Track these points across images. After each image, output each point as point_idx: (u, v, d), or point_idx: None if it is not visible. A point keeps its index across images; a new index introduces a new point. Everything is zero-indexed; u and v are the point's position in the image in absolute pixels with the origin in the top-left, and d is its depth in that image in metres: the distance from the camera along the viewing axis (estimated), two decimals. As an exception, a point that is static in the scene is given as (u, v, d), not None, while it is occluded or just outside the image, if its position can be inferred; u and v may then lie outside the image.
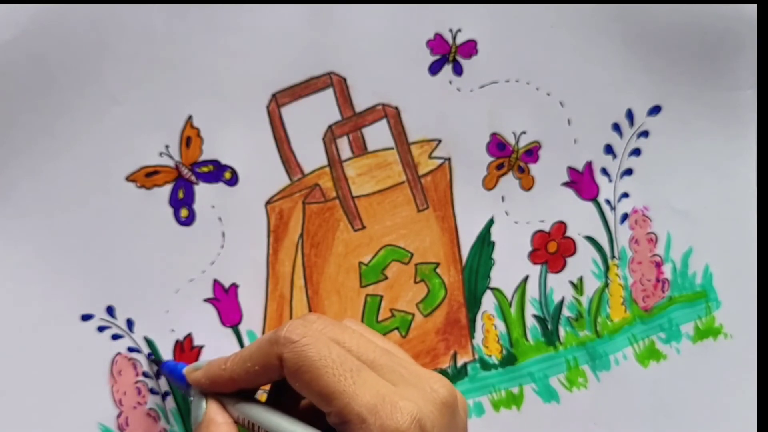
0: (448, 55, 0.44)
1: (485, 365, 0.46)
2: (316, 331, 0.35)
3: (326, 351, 0.34)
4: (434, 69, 0.44)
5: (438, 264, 0.46)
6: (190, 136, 0.42)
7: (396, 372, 0.35)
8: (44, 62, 0.38)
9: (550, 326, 0.47)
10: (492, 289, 0.46)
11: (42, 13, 0.38)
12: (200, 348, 0.43)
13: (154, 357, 0.42)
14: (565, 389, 0.47)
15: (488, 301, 0.46)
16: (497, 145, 0.46)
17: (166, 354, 0.43)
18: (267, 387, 0.40)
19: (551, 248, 0.47)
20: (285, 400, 0.38)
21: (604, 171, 0.47)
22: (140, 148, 0.41)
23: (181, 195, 0.42)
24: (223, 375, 0.37)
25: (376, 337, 0.39)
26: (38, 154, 0.39)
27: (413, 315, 0.46)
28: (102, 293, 0.41)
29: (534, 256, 0.47)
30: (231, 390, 0.37)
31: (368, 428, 0.32)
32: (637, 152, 0.47)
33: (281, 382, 0.36)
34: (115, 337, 0.41)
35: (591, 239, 0.48)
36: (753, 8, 0.46)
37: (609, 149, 0.47)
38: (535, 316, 0.47)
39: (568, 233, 0.47)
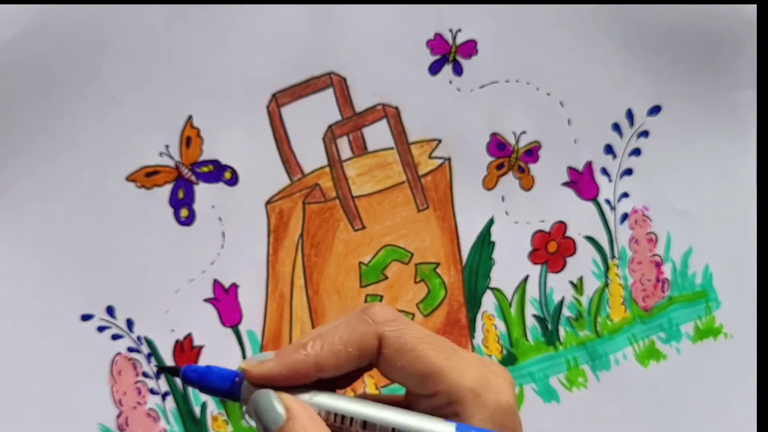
0: (448, 55, 0.44)
1: (485, 365, 0.46)
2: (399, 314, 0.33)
3: (424, 330, 0.32)
4: (434, 69, 0.44)
5: (438, 264, 0.46)
6: (190, 136, 0.42)
7: (466, 352, 0.33)
8: (44, 62, 0.38)
9: (550, 326, 0.47)
10: (492, 289, 0.46)
11: (42, 13, 0.38)
12: (200, 348, 0.43)
13: (164, 365, 0.40)
14: (565, 389, 0.47)
15: (488, 301, 0.46)
16: (497, 145, 0.46)
17: (166, 354, 0.43)
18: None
19: (551, 248, 0.47)
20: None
21: (604, 171, 0.47)
22: (140, 148, 0.41)
23: (181, 195, 0.42)
24: (306, 362, 0.32)
25: None
26: (38, 154, 0.39)
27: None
28: (102, 293, 0.41)
29: (534, 256, 0.47)
30: (311, 380, 0.32)
31: (483, 403, 0.31)
32: (637, 152, 0.47)
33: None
34: (115, 337, 0.41)
35: (591, 239, 0.48)
36: (753, 8, 0.46)
37: (609, 149, 0.47)
38: (535, 316, 0.47)
39: (568, 233, 0.47)
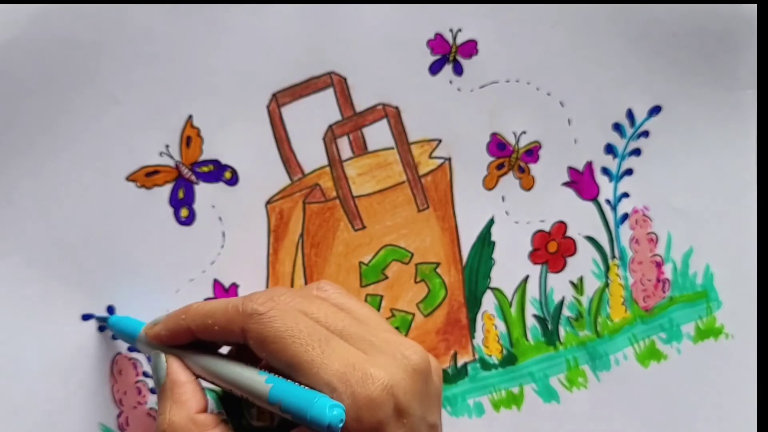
0: (448, 55, 0.44)
1: (485, 365, 0.46)
2: (282, 303, 0.34)
3: (293, 322, 0.33)
4: (434, 69, 0.44)
5: (438, 264, 0.46)
6: (190, 136, 0.42)
7: (366, 340, 0.34)
8: (44, 62, 0.38)
9: (550, 326, 0.47)
10: (492, 289, 0.46)
11: (42, 13, 0.38)
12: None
13: (99, 316, 0.41)
14: (565, 389, 0.47)
15: (488, 301, 0.46)
16: (497, 145, 0.46)
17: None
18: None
19: (551, 248, 0.47)
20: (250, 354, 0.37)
21: (605, 171, 0.47)
22: (140, 148, 0.41)
23: (181, 195, 0.42)
24: (181, 325, 0.36)
25: (350, 301, 0.38)
26: (39, 154, 0.39)
27: (413, 315, 0.46)
28: (102, 293, 0.41)
29: (534, 256, 0.47)
30: (189, 340, 0.36)
31: (339, 397, 0.32)
32: (637, 152, 0.47)
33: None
34: (116, 337, 0.41)
35: (591, 239, 0.48)
36: (753, 8, 0.46)
37: (609, 149, 0.47)
38: (536, 316, 0.47)
39: (569, 233, 0.47)
